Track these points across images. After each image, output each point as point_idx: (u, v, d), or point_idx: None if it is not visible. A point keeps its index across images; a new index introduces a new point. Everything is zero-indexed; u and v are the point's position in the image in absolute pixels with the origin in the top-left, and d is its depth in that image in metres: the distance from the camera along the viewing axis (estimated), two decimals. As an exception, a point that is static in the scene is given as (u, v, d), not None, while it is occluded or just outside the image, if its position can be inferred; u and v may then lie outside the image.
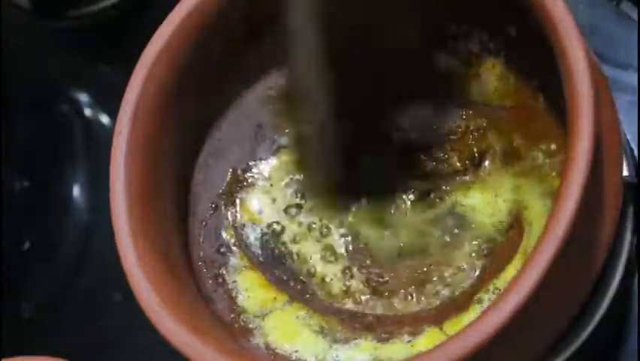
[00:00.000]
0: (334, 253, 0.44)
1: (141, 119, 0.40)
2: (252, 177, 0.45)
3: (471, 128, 0.44)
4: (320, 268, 0.43)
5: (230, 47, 0.44)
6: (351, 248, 0.44)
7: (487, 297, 0.39)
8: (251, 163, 0.45)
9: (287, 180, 0.45)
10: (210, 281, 0.42)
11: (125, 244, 0.37)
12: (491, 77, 0.43)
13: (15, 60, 0.62)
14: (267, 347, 0.40)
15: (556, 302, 0.35)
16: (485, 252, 0.41)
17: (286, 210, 0.44)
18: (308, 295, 0.43)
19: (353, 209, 0.44)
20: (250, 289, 0.42)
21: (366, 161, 0.45)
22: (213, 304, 0.41)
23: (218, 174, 0.44)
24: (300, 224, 0.44)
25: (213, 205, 0.44)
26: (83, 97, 0.62)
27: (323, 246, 0.44)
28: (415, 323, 0.40)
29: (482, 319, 0.32)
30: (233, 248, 0.43)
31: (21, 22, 0.63)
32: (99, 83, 0.62)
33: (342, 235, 0.44)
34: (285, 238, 0.44)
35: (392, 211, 0.44)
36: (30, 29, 0.63)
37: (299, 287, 0.43)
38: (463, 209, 0.43)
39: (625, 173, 0.42)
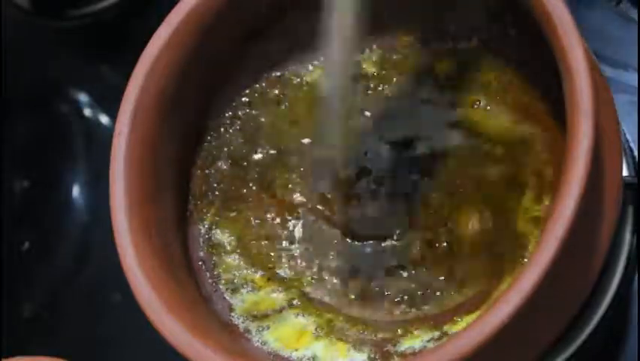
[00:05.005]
0: (335, 254, 0.43)
1: (141, 119, 0.40)
2: (252, 177, 0.45)
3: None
4: (320, 268, 0.43)
5: (230, 47, 0.44)
6: (354, 248, 0.44)
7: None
8: (250, 163, 0.45)
9: (287, 180, 0.45)
10: (210, 281, 0.42)
11: (125, 244, 0.37)
12: (491, 77, 0.43)
13: (15, 60, 0.62)
14: (267, 347, 0.40)
15: (556, 302, 0.35)
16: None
17: (287, 211, 0.44)
18: (308, 296, 0.43)
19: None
20: (250, 290, 0.42)
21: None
22: (213, 304, 0.41)
23: (218, 174, 0.44)
24: (300, 224, 0.44)
25: (213, 205, 0.44)
26: (83, 97, 0.62)
27: (323, 246, 0.44)
28: (415, 325, 0.40)
29: (482, 319, 0.32)
30: (233, 248, 0.43)
31: (21, 22, 0.63)
32: (99, 83, 0.62)
33: (343, 237, 0.44)
34: (286, 237, 0.44)
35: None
36: (30, 29, 0.63)
37: (299, 288, 0.43)
38: None
39: (625, 173, 0.42)
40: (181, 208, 0.43)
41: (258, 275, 0.43)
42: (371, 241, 0.43)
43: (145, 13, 0.60)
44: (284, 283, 0.43)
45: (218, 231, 0.44)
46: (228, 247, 0.43)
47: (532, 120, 0.41)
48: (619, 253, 0.40)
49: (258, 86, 0.45)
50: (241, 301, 0.42)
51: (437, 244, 0.42)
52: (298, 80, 0.46)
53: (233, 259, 0.43)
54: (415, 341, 0.39)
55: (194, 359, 0.35)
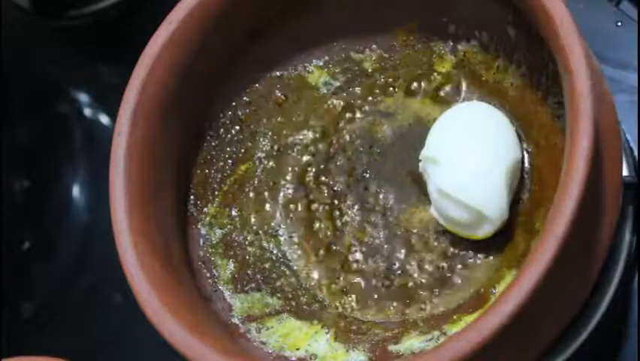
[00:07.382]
0: (333, 255, 0.43)
1: (141, 119, 0.40)
2: (252, 177, 0.45)
3: None
4: (318, 270, 0.43)
5: (231, 47, 0.44)
6: (351, 249, 0.44)
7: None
8: (251, 163, 0.45)
9: (286, 180, 0.45)
10: (210, 281, 0.42)
11: (125, 244, 0.37)
12: (490, 78, 0.43)
13: (15, 60, 0.62)
14: (267, 347, 0.40)
15: (556, 302, 0.35)
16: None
17: (286, 211, 0.44)
18: (307, 297, 0.43)
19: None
20: (250, 290, 0.42)
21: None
22: (213, 305, 0.41)
23: (218, 174, 0.44)
24: (300, 223, 0.44)
25: (213, 205, 0.44)
26: (83, 97, 0.62)
27: (321, 247, 0.44)
28: (415, 325, 0.40)
29: (482, 319, 0.32)
30: (234, 248, 0.43)
31: (21, 22, 0.63)
32: (99, 83, 0.62)
33: (341, 237, 0.44)
34: (286, 237, 0.44)
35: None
36: (30, 29, 0.63)
37: (299, 288, 0.43)
38: None
39: (625, 173, 0.42)
40: (181, 208, 0.43)
41: (258, 275, 0.43)
42: (371, 241, 0.43)
43: (144, 13, 0.60)
44: (284, 283, 0.43)
45: (218, 231, 0.44)
46: (228, 247, 0.43)
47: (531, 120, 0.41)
48: (619, 253, 0.40)
49: (258, 86, 0.45)
50: (241, 302, 0.42)
51: (436, 244, 0.42)
52: (298, 80, 0.46)
53: (233, 259, 0.43)
54: (415, 341, 0.39)
55: (194, 359, 0.35)
